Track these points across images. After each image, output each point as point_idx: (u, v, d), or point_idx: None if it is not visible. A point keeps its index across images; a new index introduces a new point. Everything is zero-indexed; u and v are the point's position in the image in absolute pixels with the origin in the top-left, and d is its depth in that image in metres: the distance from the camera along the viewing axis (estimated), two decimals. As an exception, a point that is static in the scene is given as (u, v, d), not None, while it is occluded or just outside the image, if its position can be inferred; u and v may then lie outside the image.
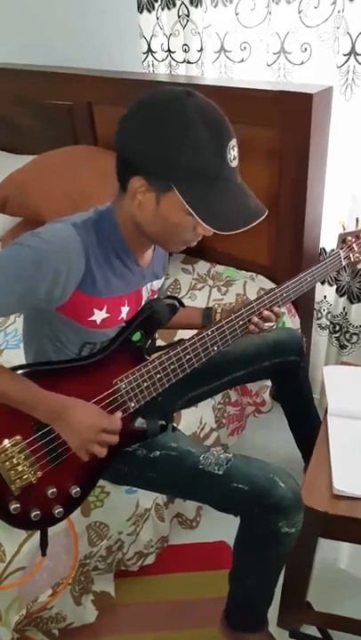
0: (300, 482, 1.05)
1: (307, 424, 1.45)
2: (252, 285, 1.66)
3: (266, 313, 1.08)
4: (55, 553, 1.10)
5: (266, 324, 1.09)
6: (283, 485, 0.98)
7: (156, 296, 1.11)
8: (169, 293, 1.64)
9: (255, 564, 1.08)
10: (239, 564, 1.11)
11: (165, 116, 0.83)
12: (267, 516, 0.98)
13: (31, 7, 2.11)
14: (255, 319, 1.07)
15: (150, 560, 1.34)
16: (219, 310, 1.20)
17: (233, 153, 0.86)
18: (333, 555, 1.42)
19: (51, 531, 1.03)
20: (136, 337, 1.02)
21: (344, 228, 1.58)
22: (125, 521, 1.22)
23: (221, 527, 1.19)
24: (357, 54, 1.37)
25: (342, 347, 1.79)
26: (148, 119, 0.84)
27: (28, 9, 2.13)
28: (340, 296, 1.70)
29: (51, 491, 0.97)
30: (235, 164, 0.87)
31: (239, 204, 0.88)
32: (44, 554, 1.04)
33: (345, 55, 1.39)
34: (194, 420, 1.37)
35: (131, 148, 0.86)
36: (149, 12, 1.70)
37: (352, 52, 1.38)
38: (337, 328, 1.77)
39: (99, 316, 0.96)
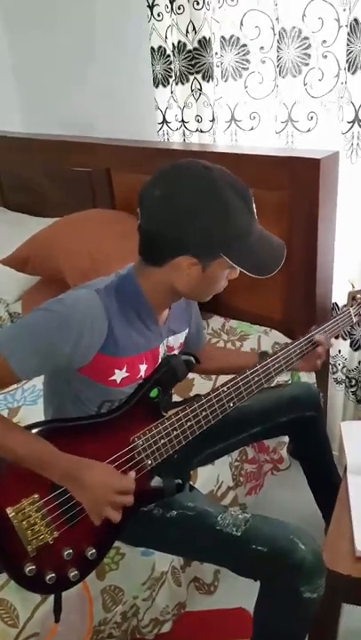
0: (321, 542, 1.02)
1: (326, 482, 1.41)
2: (266, 340, 1.68)
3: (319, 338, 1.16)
4: (69, 618, 1.06)
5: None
6: (303, 547, 0.95)
7: (175, 351, 1.13)
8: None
9: (276, 633, 1.03)
10: (260, 632, 1.06)
11: (203, 197, 0.88)
12: (287, 579, 0.95)
13: (55, 81, 2.28)
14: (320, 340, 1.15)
15: (167, 628, 1.28)
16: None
17: (254, 205, 0.94)
18: (360, 623, 1.35)
19: (64, 594, 1.00)
20: (154, 393, 1.03)
21: (353, 287, 1.61)
22: (141, 585, 1.18)
23: (240, 592, 1.15)
24: (361, 121, 1.45)
25: (359, 401, 1.77)
26: (187, 202, 0.88)
27: (52, 83, 2.30)
28: (355, 350, 1.71)
29: (67, 552, 0.95)
30: (255, 214, 0.95)
31: (269, 247, 0.96)
32: (57, 620, 1.00)
33: (349, 122, 1.47)
34: (210, 477, 1.35)
35: (175, 232, 0.90)
36: (164, 86, 1.81)
37: (356, 119, 1.45)
38: (353, 382, 1.76)
39: (119, 375, 0.98)
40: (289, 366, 1.14)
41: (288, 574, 0.95)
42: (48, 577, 0.94)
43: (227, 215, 0.89)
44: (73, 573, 0.97)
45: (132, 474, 0.97)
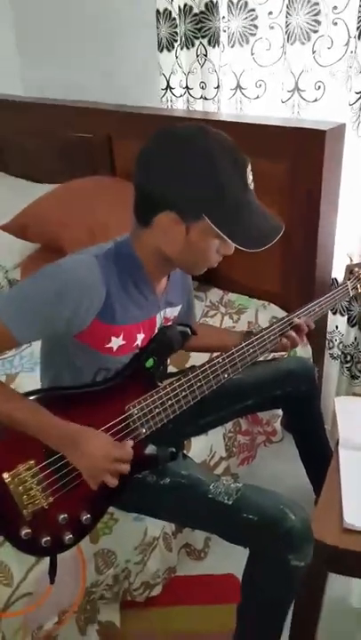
0: (310, 513, 1.04)
1: (318, 455, 1.43)
2: (264, 313, 1.68)
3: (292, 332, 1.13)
4: (62, 580, 1.08)
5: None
6: (293, 517, 0.97)
7: (170, 323, 1.13)
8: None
9: (264, 599, 1.06)
10: (247, 597, 1.09)
11: (190, 153, 0.87)
12: (276, 547, 0.97)
13: (56, 44, 2.22)
14: (290, 333, 1.13)
15: (157, 591, 1.32)
16: None
17: (250, 177, 0.91)
18: (345, 591, 1.39)
19: (59, 557, 1.03)
20: (149, 363, 1.04)
21: (351, 260, 1.60)
22: (133, 549, 1.21)
23: (230, 559, 1.18)
24: (370, 92, 1.42)
25: (353, 377, 1.79)
26: (174, 158, 0.88)
27: (53, 45, 2.24)
28: (352, 326, 1.71)
29: (62, 517, 0.97)
30: (252, 186, 0.92)
31: (261, 223, 0.93)
32: (52, 582, 1.02)
33: (357, 93, 1.44)
34: (204, 447, 1.37)
35: (159, 187, 0.89)
36: (169, 51, 1.77)
37: (365, 90, 1.42)
38: (348, 358, 1.77)
39: (115, 343, 0.98)
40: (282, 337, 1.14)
41: (277, 542, 0.97)
42: (43, 540, 0.96)
43: (212, 175, 0.87)
44: (68, 537, 0.99)
45: (130, 442, 0.98)
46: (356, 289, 1.26)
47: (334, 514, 1.07)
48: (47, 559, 1.03)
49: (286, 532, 0.96)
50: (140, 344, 1.03)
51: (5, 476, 0.93)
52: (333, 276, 1.70)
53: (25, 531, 0.95)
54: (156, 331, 1.07)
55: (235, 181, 0.89)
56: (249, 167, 0.91)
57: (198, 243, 0.93)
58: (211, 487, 1.04)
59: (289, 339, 1.14)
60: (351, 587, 1.40)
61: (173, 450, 1.07)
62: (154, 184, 0.90)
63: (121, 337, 0.98)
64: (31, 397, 0.98)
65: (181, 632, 1.33)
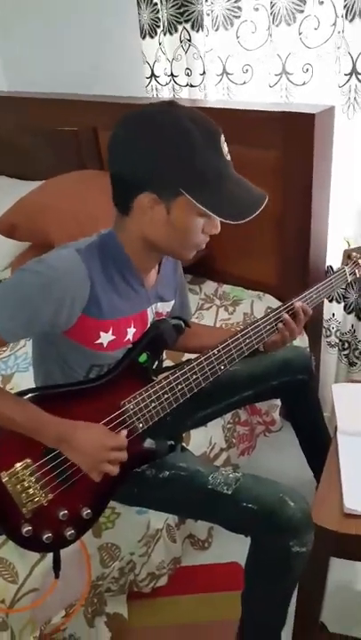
0: (311, 501, 1.04)
1: (317, 443, 1.43)
2: (260, 304, 1.66)
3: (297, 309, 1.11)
4: (68, 574, 1.09)
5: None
6: (292, 505, 0.97)
7: (163, 317, 1.12)
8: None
9: (267, 585, 1.07)
10: (251, 585, 1.10)
11: (161, 130, 0.85)
12: (277, 535, 0.98)
13: (36, 35, 2.17)
14: (285, 316, 1.09)
15: (163, 581, 1.34)
16: None
17: (225, 148, 0.89)
18: (348, 575, 1.40)
19: (63, 552, 1.03)
20: (142, 358, 1.03)
21: (349, 245, 1.58)
22: (137, 542, 1.22)
23: (233, 547, 1.18)
24: (359, 73, 1.38)
25: (351, 364, 1.78)
26: (145, 137, 0.85)
27: (33, 37, 2.19)
28: (348, 313, 1.70)
29: (62, 513, 0.97)
30: (228, 157, 0.90)
31: (243, 195, 0.90)
32: (57, 576, 1.03)
33: (346, 75, 1.40)
34: (203, 440, 1.37)
35: (133, 168, 0.87)
36: (152, 37, 1.73)
37: (353, 71, 1.39)
38: (346, 345, 1.76)
39: (105, 338, 0.97)
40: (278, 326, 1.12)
41: (278, 530, 0.97)
42: (45, 536, 0.97)
43: (183, 146, 0.84)
44: (69, 532, 0.99)
45: (124, 432, 0.98)
46: (355, 274, 1.23)
47: (334, 499, 1.07)
48: (51, 554, 1.03)
49: (286, 519, 0.97)
50: (131, 339, 1.02)
51: (3, 475, 0.94)
52: (328, 263, 1.68)
53: (26, 528, 0.95)
54: (149, 325, 1.06)
55: (209, 152, 0.86)
56: (222, 137, 0.89)
57: (182, 222, 0.90)
58: (210, 478, 1.04)
59: (287, 325, 1.10)
60: (354, 570, 1.41)
61: (172, 443, 1.07)
62: (126, 166, 0.87)
63: (110, 332, 0.97)
64: (25, 397, 0.97)
65: (188, 621, 1.35)
